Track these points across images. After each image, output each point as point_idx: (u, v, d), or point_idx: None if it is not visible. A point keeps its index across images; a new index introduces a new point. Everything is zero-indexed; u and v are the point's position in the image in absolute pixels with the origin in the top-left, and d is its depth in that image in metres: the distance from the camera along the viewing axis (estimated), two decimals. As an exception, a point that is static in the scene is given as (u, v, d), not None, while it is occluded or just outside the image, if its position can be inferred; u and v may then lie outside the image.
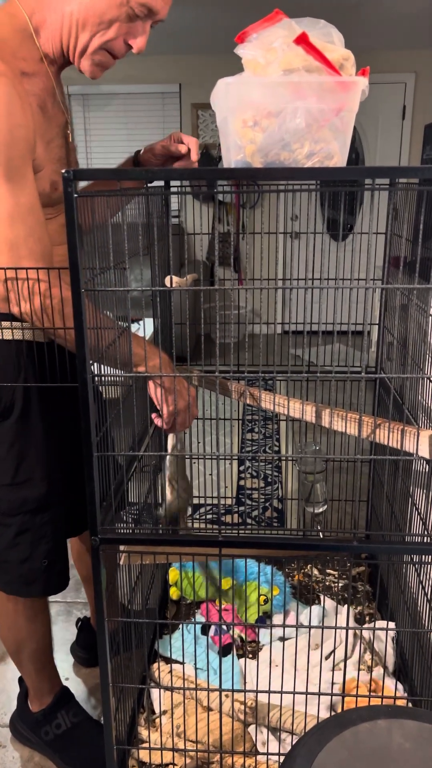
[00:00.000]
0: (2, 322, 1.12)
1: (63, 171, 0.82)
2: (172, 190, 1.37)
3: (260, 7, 3.58)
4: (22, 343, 1.14)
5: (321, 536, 1.55)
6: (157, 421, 1.17)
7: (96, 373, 0.94)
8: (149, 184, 1.28)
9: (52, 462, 1.22)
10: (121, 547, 1.07)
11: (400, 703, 1.23)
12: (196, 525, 2.34)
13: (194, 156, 1.19)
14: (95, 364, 0.94)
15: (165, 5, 1.07)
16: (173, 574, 1.71)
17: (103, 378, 0.97)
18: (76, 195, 0.82)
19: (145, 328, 2.01)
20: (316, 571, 1.80)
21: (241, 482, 2.71)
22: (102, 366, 0.97)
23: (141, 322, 2.56)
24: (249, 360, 1.12)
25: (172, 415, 1.13)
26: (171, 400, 1.11)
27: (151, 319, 1.50)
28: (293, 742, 1.19)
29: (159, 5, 1.06)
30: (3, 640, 1.37)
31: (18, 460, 1.18)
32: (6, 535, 1.21)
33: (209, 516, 2.40)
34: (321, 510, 1.70)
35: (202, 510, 2.43)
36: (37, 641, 1.35)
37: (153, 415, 1.19)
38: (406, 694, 1.32)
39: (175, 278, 0.99)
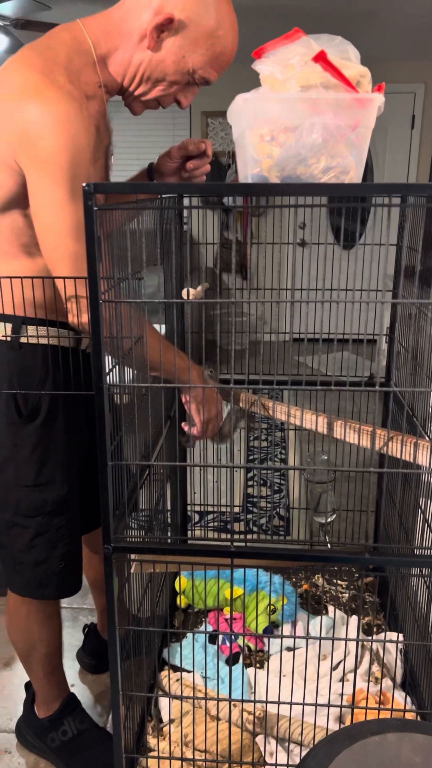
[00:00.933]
0: (38, 328, 1.16)
1: (83, 184, 0.84)
2: (186, 202, 1.39)
3: (270, 19, 3.62)
4: (56, 348, 1.18)
5: (329, 546, 1.55)
6: (190, 431, 1.27)
7: (117, 382, 0.97)
8: (163, 195, 1.30)
9: (72, 465, 1.24)
10: (132, 556, 1.08)
11: (409, 716, 1.23)
12: (205, 533, 2.34)
13: (209, 152, 1.26)
14: (124, 370, 0.98)
15: (217, 77, 1.16)
16: (181, 582, 1.71)
17: (119, 385, 0.99)
18: (96, 208, 0.84)
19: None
20: (323, 581, 1.80)
21: (248, 490, 2.71)
22: (133, 373, 1.01)
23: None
24: (257, 368, 1.13)
25: (206, 423, 1.23)
26: (205, 410, 1.21)
27: (161, 326, 1.52)
28: (301, 753, 1.19)
29: (215, 78, 1.15)
30: (14, 643, 1.37)
31: (41, 462, 1.20)
32: (23, 537, 1.23)
33: (216, 524, 2.41)
34: (329, 520, 1.70)
35: (209, 517, 2.44)
36: (47, 645, 1.35)
37: (183, 425, 1.27)
38: (414, 707, 1.32)
39: (191, 290, 1.00)
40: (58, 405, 1.20)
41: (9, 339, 1.15)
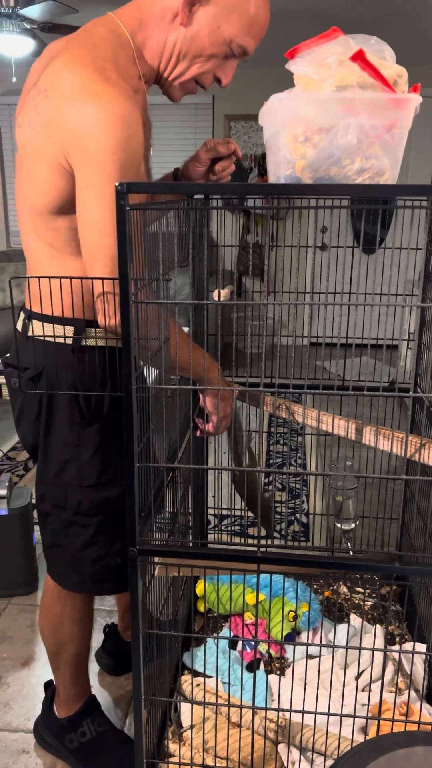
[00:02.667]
0: (96, 330, 1.15)
1: (116, 184, 0.83)
2: (214, 204, 1.38)
3: (293, 22, 3.61)
4: (117, 350, 1.18)
5: (351, 554, 1.53)
6: (203, 426, 1.31)
7: (149, 383, 0.97)
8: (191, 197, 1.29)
9: None
10: (156, 559, 1.07)
11: (436, 729, 1.20)
12: (222, 537, 2.33)
13: (239, 153, 1.26)
14: (152, 370, 0.98)
15: (256, 47, 1.13)
16: (201, 587, 1.70)
17: (152, 386, 0.99)
18: (128, 208, 0.83)
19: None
20: (344, 589, 1.78)
21: (266, 494, 2.69)
22: (161, 374, 1.00)
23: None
24: (279, 372, 1.12)
25: (220, 420, 1.26)
26: (222, 407, 1.25)
27: (189, 328, 1.51)
28: (324, 764, 1.18)
29: (253, 47, 1.12)
30: (45, 640, 1.38)
31: (103, 461, 1.21)
32: (83, 536, 1.23)
33: (235, 528, 2.39)
34: (351, 527, 1.67)
35: (226, 522, 2.42)
36: (77, 645, 1.36)
37: (198, 420, 1.31)
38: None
39: (222, 292, 0.99)
40: (119, 405, 1.20)
41: (72, 341, 1.15)
